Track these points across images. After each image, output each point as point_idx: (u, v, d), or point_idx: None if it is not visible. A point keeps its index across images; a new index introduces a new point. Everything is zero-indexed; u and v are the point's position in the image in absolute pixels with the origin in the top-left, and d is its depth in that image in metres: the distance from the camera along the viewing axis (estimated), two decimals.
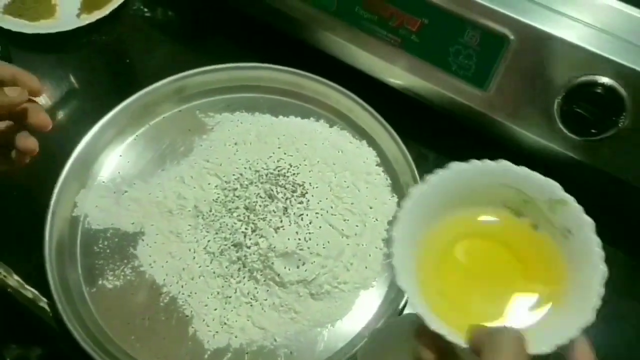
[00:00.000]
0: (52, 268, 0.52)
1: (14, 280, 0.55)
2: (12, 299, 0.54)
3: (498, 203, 0.37)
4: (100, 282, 0.54)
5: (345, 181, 0.58)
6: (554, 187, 0.35)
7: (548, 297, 0.34)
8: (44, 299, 0.53)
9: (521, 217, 0.37)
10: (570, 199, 0.34)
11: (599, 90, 0.48)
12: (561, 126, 0.51)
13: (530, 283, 0.35)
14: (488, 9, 0.50)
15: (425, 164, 0.61)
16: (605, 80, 0.48)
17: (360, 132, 0.63)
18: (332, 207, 0.56)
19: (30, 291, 0.54)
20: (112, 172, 0.60)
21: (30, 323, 0.58)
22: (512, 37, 0.50)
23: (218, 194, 0.57)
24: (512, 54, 0.51)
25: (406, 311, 0.52)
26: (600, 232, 0.58)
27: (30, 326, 0.58)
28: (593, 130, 0.49)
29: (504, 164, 0.36)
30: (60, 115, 0.64)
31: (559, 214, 0.35)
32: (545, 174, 0.51)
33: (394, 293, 0.53)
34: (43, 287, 0.53)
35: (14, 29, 0.70)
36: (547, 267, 0.35)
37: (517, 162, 0.56)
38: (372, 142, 0.62)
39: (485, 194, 0.36)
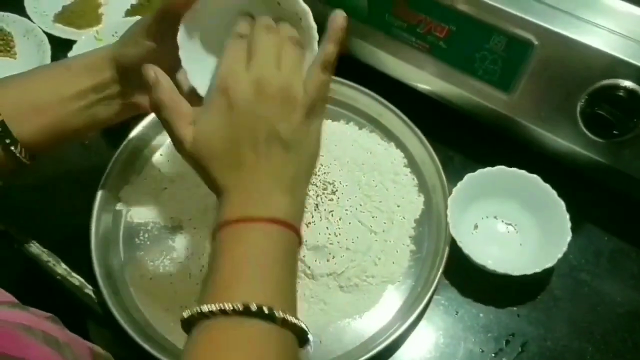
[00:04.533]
0: (98, 258, 0.56)
1: (62, 268, 0.58)
2: (59, 285, 0.58)
3: None
4: (141, 271, 0.58)
5: (373, 180, 0.61)
6: None
7: None
8: (90, 286, 0.57)
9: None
10: None
11: (620, 94, 0.49)
12: (583, 128, 0.53)
13: None
14: (513, 16, 0.52)
15: (452, 165, 0.63)
16: (627, 83, 0.49)
17: (389, 135, 0.66)
18: (361, 205, 0.59)
19: (76, 279, 0.58)
20: (154, 170, 0.64)
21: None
22: (536, 42, 0.52)
23: None
24: (536, 58, 0.53)
25: None
26: (620, 230, 0.60)
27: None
28: (615, 132, 0.51)
29: None
30: None
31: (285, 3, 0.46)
32: (568, 174, 0.54)
33: (420, 287, 0.55)
34: (88, 275, 0.57)
35: (63, 36, 0.74)
36: None
37: (539, 163, 0.58)
38: (400, 144, 0.65)
39: None
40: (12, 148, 0.48)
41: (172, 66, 0.47)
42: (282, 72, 0.42)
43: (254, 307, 0.36)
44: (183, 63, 0.47)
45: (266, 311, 0.36)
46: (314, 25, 0.45)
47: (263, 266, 0.39)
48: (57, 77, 0.50)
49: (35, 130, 0.49)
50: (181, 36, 0.47)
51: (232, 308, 0.36)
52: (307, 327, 0.38)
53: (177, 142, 0.43)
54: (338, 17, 0.44)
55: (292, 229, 0.41)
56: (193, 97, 0.48)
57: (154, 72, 0.44)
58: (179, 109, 0.43)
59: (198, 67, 0.48)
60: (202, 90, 0.47)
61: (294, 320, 0.37)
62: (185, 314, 0.38)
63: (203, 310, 0.36)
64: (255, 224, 0.40)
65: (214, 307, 0.36)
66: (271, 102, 0.41)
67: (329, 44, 0.43)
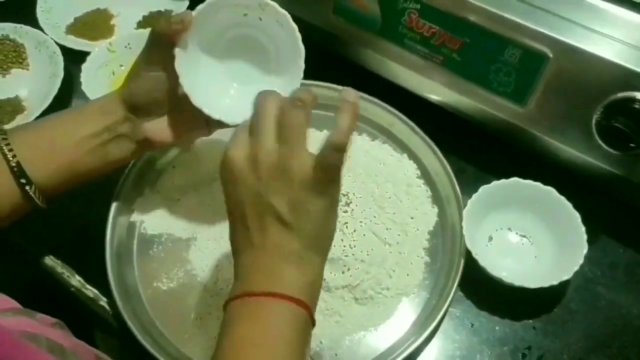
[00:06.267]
0: (112, 270, 0.56)
1: (76, 280, 0.58)
2: (73, 297, 0.58)
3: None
4: (155, 283, 0.57)
5: (387, 192, 0.61)
6: None
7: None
8: (104, 298, 0.57)
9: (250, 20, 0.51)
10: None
11: (636, 106, 0.49)
12: (599, 140, 0.53)
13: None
14: (527, 29, 0.53)
15: (465, 177, 0.63)
16: None
17: (401, 146, 0.66)
18: (375, 217, 0.59)
19: (91, 290, 0.58)
20: (167, 181, 0.64)
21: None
22: (551, 55, 0.52)
23: None
24: (550, 71, 0.53)
25: None
26: (636, 242, 0.60)
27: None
28: (631, 145, 0.51)
29: None
30: None
31: (268, 12, 0.48)
32: (583, 186, 0.53)
33: (435, 300, 0.55)
34: (103, 287, 0.57)
35: (76, 47, 0.75)
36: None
37: (554, 175, 0.58)
38: (413, 156, 0.65)
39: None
40: (28, 188, 0.49)
41: (177, 87, 0.50)
42: (282, 146, 0.40)
43: None
44: (185, 89, 0.49)
45: None
46: (299, 35, 0.47)
47: (264, 345, 0.38)
48: (71, 121, 0.52)
49: (50, 171, 0.50)
50: (178, 62, 0.48)
51: None
52: None
53: None
54: (350, 92, 0.41)
55: (300, 304, 0.40)
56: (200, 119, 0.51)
57: None
58: None
59: (201, 89, 0.50)
60: (213, 113, 0.50)
61: None
62: None
63: None
64: (259, 298, 0.39)
65: None
66: (267, 178, 0.40)
67: (345, 118, 0.40)
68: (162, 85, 0.50)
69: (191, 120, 0.53)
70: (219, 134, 0.57)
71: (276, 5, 0.48)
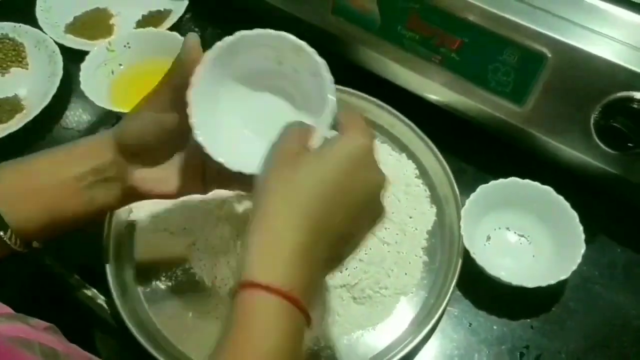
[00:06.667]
0: (111, 269, 0.56)
1: (74, 279, 0.58)
2: (72, 297, 0.58)
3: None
4: (153, 282, 0.58)
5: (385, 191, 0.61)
6: (289, 38, 0.43)
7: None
8: (103, 297, 0.57)
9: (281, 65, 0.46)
10: (304, 45, 0.43)
11: (635, 106, 0.49)
12: (598, 140, 0.53)
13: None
14: (526, 28, 0.53)
15: (464, 177, 0.63)
16: None
17: (400, 146, 0.66)
18: None
19: (89, 290, 0.58)
20: None
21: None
22: (549, 54, 0.52)
23: None
24: (549, 71, 0.53)
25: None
26: (634, 242, 0.60)
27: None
28: (629, 145, 0.51)
29: (258, 31, 0.43)
30: None
31: (302, 58, 0.43)
32: (581, 186, 0.53)
33: (433, 299, 0.55)
34: (101, 286, 0.57)
35: (75, 47, 0.75)
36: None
37: (552, 174, 0.58)
38: (412, 155, 0.65)
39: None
40: (2, 233, 0.44)
41: (177, 136, 0.46)
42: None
43: None
44: (196, 133, 0.44)
45: None
46: (333, 87, 0.42)
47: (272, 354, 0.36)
48: (56, 160, 0.47)
49: (29, 214, 0.45)
50: (192, 96, 0.44)
51: None
52: None
53: None
54: None
55: (304, 312, 0.37)
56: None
57: None
58: None
59: (213, 133, 0.45)
60: (228, 162, 0.44)
61: None
62: None
63: None
64: (272, 298, 0.36)
65: None
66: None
67: None
68: (158, 128, 0.46)
69: (185, 173, 0.49)
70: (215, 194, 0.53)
71: (313, 52, 0.42)
